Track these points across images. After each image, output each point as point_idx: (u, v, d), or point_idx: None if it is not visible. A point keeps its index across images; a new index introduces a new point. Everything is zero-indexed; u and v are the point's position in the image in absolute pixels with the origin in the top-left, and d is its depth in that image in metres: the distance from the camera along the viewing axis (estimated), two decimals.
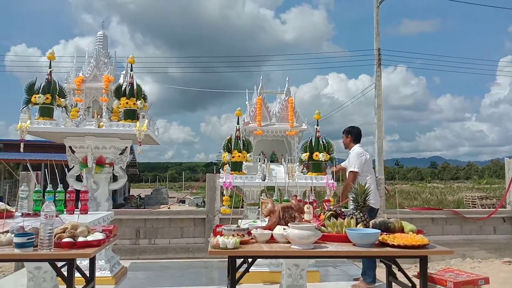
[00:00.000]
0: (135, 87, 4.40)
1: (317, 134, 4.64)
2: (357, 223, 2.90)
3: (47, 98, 4.16)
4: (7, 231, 2.56)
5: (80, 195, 3.75)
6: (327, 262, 5.47)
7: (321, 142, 4.61)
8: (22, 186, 3.60)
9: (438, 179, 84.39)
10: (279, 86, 5.48)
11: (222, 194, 4.76)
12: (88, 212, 3.81)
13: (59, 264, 2.52)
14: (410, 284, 2.77)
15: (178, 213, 6.67)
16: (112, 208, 4.84)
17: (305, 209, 3.11)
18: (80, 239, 2.46)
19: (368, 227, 2.88)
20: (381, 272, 3.93)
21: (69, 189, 3.80)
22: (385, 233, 2.71)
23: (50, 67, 4.30)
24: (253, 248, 2.58)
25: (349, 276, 4.94)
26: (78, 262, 3.05)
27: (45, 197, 2.83)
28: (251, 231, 2.75)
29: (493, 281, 4.14)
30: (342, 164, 5.00)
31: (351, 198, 3.70)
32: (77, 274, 2.63)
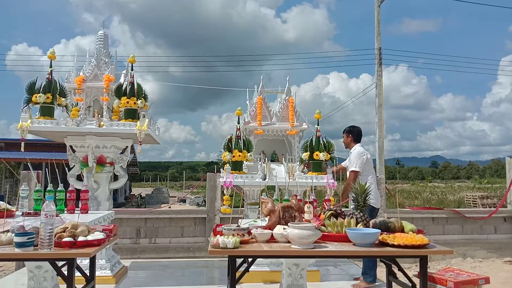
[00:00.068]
0: (135, 86, 4.40)
1: (317, 134, 4.64)
2: (357, 223, 2.89)
3: (48, 98, 4.17)
4: (7, 231, 2.56)
5: (81, 195, 3.75)
6: (328, 261, 5.46)
7: (321, 141, 4.61)
8: (23, 185, 3.60)
9: (439, 178, 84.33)
10: (280, 85, 5.49)
11: (222, 194, 4.76)
12: (89, 212, 3.82)
13: (60, 263, 2.52)
14: (410, 284, 2.77)
15: (178, 213, 6.67)
16: (113, 207, 4.85)
17: (305, 208, 3.11)
18: (81, 238, 2.46)
19: (368, 226, 2.88)
20: (381, 271, 3.93)
21: (70, 188, 3.81)
22: (385, 232, 2.71)
23: (51, 66, 4.31)
24: (253, 248, 2.58)
25: (350, 275, 4.94)
26: (78, 261, 3.05)
27: (46, 197, 2.83)
28: (251, 231, 2.74)
29: (493, 280, 4.14)
30: (343, 164, 5.00)
31: (352, 198, 3.69)
32: (77, 274, 2.64)
